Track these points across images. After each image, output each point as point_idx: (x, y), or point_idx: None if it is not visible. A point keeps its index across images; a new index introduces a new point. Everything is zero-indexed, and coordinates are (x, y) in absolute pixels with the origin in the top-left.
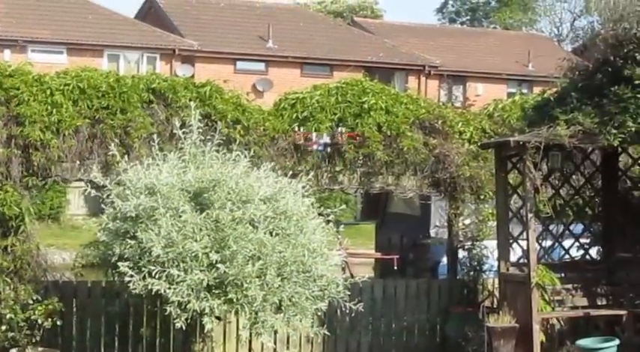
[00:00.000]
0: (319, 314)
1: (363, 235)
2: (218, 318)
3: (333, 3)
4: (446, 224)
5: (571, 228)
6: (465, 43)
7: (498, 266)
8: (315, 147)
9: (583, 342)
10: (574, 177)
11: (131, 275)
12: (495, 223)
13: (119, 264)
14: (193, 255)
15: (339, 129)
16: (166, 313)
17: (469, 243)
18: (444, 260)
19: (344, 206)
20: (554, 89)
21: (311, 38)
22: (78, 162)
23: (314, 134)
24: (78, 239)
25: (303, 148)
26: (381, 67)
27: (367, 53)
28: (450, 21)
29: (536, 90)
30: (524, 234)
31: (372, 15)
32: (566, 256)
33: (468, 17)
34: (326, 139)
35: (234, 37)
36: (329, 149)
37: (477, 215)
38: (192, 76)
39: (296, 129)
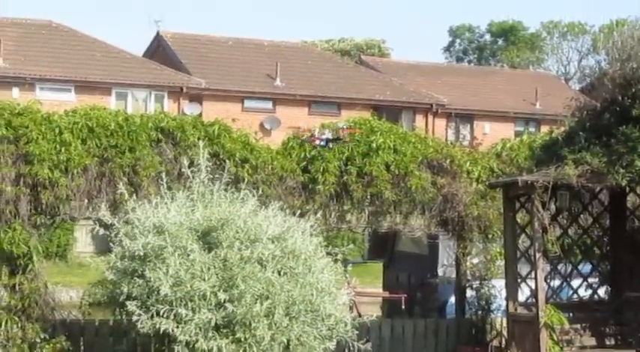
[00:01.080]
0: None
1: (370, 274)
2: None
3: (340, 41)
4: (454, 263)
5: (579, 267)
6: (472, 81)
7: (507, 305)
8: (317, 142)
9: None
10: (582, 216)
11: (139, 314)
12: (503, 262)
13: (127, 302)
14: (201, 294)
15: (342, 124)
16: None
17: (477, 283)
18: (452, 299)
19: (352, 245)
20: (562, 128)
21: (319, 76)
22: (86, 200)
23: (316, 130)
24: (85, 277)
25: (310, 187)
26: (389, 106)
27: (375, 92)
28: (457, 59)
29: (544, 129)
30: (533, 273)
31: (379, 53)
32: (575, 296)
33: (475, 56)
34: (328, 135)
35: (242, 75)
36: (331, 144)
37: (485, 254)
38: (200, 114)
39: (300, 125)
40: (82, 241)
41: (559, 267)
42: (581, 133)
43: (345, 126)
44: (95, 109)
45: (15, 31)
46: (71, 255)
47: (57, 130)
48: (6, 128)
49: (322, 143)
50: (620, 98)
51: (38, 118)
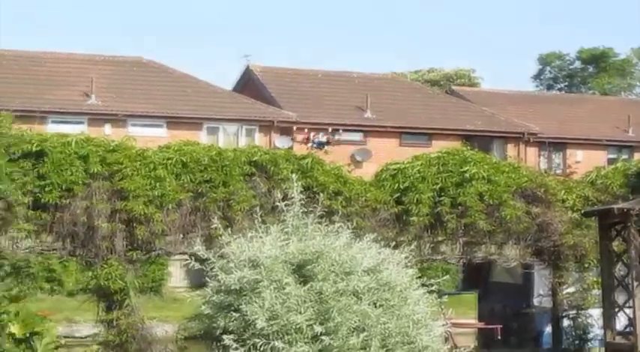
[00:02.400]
0: None
1: (464, 305)
2: None
3: (429, 72)
4: (549, 292)
5: None
6: (563, 109)
7: (604, 335)
8: (309, 144)
9: None
10: None
11: (236, 348)
12: (600, 291)
13: (223, 336)
14: (297, 327)
15: (339, 130)
16: None
17: (573, 312)
18: (548, 329)
19: (447, 276)
20: None
21: (408, 107)
22: (181, 235)
23: (311, 133)
24: (179, 311)
25: (404, 218)
26: (480, 135)
27: (465, 121)
28: (547, 87)
29: (637, 156)
30: (630, 302)
31: (469, 83)
32: None
33: (566, 83)
34: (322, 139)
35: (332, 108)
36: (325, 147)
37: (581, 283)
38: (291, 148)
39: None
40: (176, 275)
41: None
42: None
43: (341, 131)
44: (188, 145)
45: (107, 69)
46: (165, 289)
47: (151, 166)
48: (101, 165)
49: (315, 145)
50: None
51: (132, 154)
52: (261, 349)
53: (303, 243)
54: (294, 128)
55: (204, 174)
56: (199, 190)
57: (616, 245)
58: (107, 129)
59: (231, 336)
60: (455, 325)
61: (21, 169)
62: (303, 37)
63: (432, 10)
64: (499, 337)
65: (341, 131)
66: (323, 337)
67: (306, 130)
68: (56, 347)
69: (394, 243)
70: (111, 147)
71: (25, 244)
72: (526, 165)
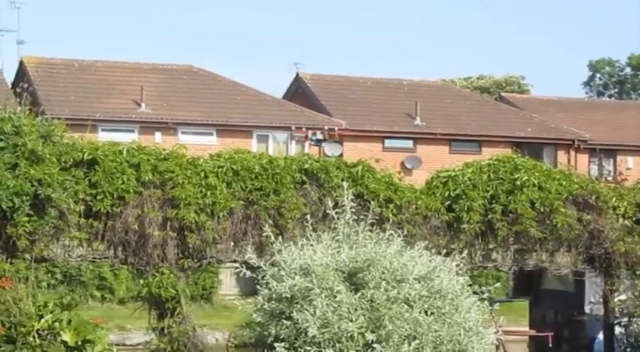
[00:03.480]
0: None
1: (515, 312)
2: None
3: (479, 79)
4: (601, 300)
5: None
6: (613, 116)
7: None
8: (307, 142)
9: None
10: None
11: None
12: None
13: (275, 344)
14: (349, 335)
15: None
16: None
17: (626, 319)
18: (600, 336)
19: (498, 283)
20: None
21: (458, 115)
22: (232, 243)
23: (309, 132)
24: (230, 319)
25: (455, 226)
26: (530, 142)
27: (516, 128)
28: (598, 94)
29: None
30: None
31: (518, 90)
32: None
33: (616, 90)
34: (318, 136)
35: (381, 115)
36: (322, 144)
37: (633, 290)
38: (341, 155)
39: (292, 126)
40: (227, 283)
41: None
42: None
43: (336, 129)
44: (239, 153)
45: (156, 77)
46: (216, 297)
47: (202, 174)
48: (152, 173)
49: (313, 143)
50: None
51: (183, 163)
52: None
53: (355, 250)
54: (293, 127)
55: (256, 182)
56: (250, 198)
57: None
58: (157, 137)
59: (283, 344)
60: (506, 333)
61: (73, 178)
62: (352, 44)
63: (482, 17)
64: (551, 345)
65: (337, 129)
66: (375, 345)
67: (303, 129)
68: None
69: (445, 250)
70: (162, 156)
71: (77, 252)
72: (577, 172)
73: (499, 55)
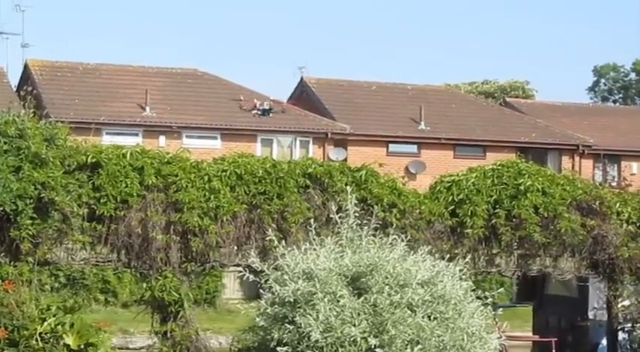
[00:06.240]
0: None
1: (519, 317)
2: None
3: (484, 83)
4: (604, 305)
5: None
6: (618, 121)
7: None
8: (254, 111)
9: None
10: None
11: None
12: None
13: (278, 348)
14: (352, 339)
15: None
16: None
17: (629, 325)
18: (604, 342)
19: (501, 289)
20: None
21: (463, 119)
22: (235, 247)
23: (257, 101)
24: (233, 323)
25: (459, 231)
26: (534, 147)
27: (520, 133)
28: (603, 99)
29: None
30: None
31: (523, 95)
32: None
33: (621, 95)
34: (265, 106)
35: (386, 120)
36: (269, 114)
37: (637, 296)
38: (345, 159)
39: (241, 97)
40: (230, 287)
41: None
42: None
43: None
44: (243, 157)
45: (161, 81)
46: (220, 301)
47: (206, 178)
48: (156, 177)
49: (259, 112)
50: None
51: (187, 166)
52: None
53: (358, 255)
54: (241, 97)
55: (259, 186)
56: (254, 202)
57: None
58: (162, 140)
59: (286, 348)
60: (510, 338)
61: (76, 181)
62: (357, 49)
63: (487, 22)
64: (554, 350)
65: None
66: (378, 350)
67: (255, 100)
68: None
69: (449, 255)
70: (166, 159)
71: (81, 255)
72: (581, 177)
73: (504, 60)
